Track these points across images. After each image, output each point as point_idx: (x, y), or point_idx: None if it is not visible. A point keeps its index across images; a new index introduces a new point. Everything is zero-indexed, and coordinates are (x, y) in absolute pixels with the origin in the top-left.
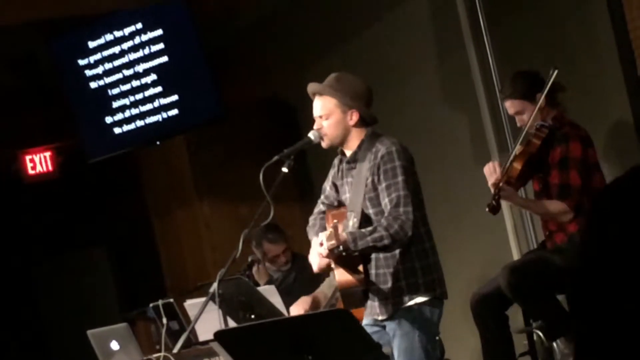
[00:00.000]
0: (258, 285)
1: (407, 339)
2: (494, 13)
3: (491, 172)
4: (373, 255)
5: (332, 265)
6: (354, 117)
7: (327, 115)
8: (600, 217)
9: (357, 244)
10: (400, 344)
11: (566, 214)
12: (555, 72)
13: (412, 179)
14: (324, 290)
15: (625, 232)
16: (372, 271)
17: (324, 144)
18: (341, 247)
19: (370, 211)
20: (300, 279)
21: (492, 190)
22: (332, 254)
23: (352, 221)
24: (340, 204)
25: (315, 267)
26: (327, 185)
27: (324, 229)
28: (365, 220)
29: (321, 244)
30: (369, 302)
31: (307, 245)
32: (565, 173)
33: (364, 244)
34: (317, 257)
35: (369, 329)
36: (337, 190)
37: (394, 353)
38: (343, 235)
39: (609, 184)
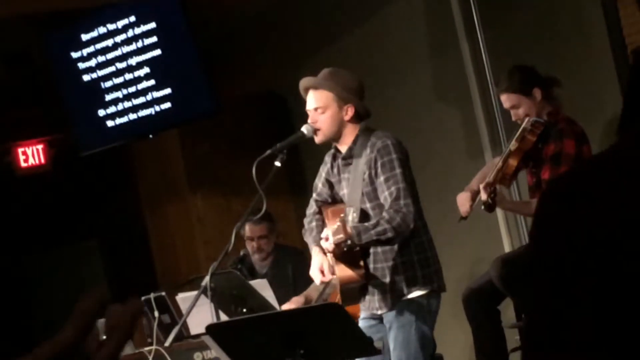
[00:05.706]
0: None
1: (404, 331)
2: (488, 9)
3: (463, 202)
4: (372, 250)
5: (333, 262)
6: (349, 111)
7: (323, 108)
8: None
9: (361, 237)
10: (397, 335)
11: None
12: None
13: (409, 172)
14: (311, 293)
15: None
16: (371, 265)
17: (317, 139)
18: (349, 241)
19: (367, 205)
20: (272, 274)
21: (487, 190)
22: (339, 248)
23: (352, 216)
24: (335, 201)
25: (317, 281)
26: (319, 183)
27: (322, 230)
28: (363, 215)
29: (326, 239)
30: (368, 297)
31: (298, 239)
32: (556, 169)
33: (367, 238)
34: (318, 273)
35: (365, 323)
36: (330, 187)
37: (390, 345)
38: (349, 229)
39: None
